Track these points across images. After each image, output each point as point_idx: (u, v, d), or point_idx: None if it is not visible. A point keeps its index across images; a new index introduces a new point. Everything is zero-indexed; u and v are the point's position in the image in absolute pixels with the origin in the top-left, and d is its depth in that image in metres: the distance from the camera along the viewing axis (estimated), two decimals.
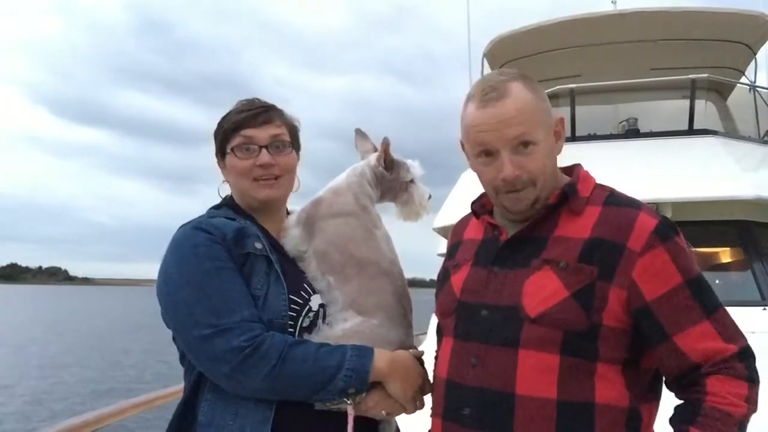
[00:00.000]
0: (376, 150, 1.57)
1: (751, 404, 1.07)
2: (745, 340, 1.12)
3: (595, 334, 1.10)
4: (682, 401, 1.12)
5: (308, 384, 1.21)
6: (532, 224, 1.20)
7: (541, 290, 1.13)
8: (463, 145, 1.29)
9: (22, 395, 13.52)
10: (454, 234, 1.43)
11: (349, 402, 1.24)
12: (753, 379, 1.09)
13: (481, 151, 1.20)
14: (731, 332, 1.11)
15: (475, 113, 1.19)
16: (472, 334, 1.19)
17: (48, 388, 14.30)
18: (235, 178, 1.41)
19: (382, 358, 1.26)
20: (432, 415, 1.26)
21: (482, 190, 1.35)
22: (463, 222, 1.43)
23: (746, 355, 1.10)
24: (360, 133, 1.62)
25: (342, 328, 1.32)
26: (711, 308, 1.11)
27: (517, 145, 1.16)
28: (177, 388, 3.06)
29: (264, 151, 1.38)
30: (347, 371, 1.21)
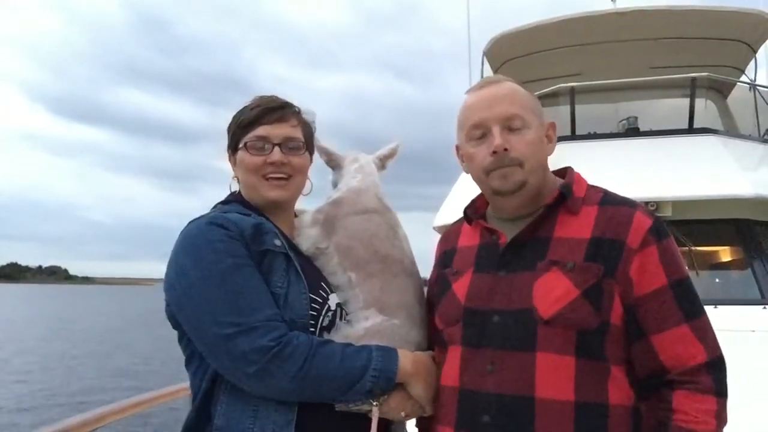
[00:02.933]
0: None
1: (720, 420, 1.07)
2: (720, 351, 1.12)
3: (604, 332, 1.11)
4: (647, 409, 1.12)
5: (335, 385, 1.18)
6: (531, 225, 1.21)
7: (552, 291, 1.13)
8: (457, 150, 1.32)
9: (23, 395, 13.53)
10: (446, 242, 1.41)
11: (374, 403, 1.22)
12: (721, 393, 1.08)
13: (474, 128, 1.24)
14: (707, 340, 1.11)
15: (471, 96, 1.28)
16: (485, 340, 1.18)
17: (49, 388, 14.30)
18: (245, 174, 1.38)
19: (406, 359, 1.25)
20: (440, 425, 1.23)
21: (479, 190, 1.35)
22: (455, 229, 1.42)
23: (717, 366, 1.10)
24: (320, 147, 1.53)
25: (363, 326, 1.30)
26: (692, 313, 1.12)
27: (508, 125, 1.21)
28: (177, 387, 3.05)
29: (277, 149, 1.35)
30: (374, 372, 1.20)
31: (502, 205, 1.27)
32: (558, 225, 1.20)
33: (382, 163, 1.58)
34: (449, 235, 1.42)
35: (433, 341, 1.36)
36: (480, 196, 1.37)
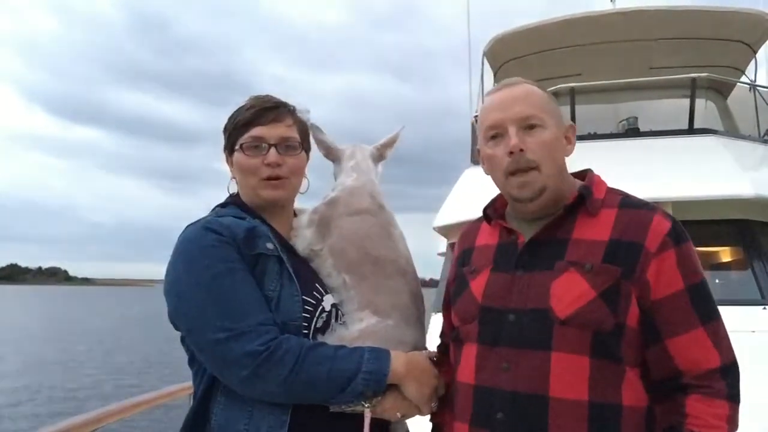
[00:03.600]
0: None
1: (732, 425, 1.08)
2: (734, 356, 1.13)
3: (620, 334, 1.12)
4: (661, 414, 1.13)
5: (326, 387, 1.19)
6: (550, 226, 1.21)
7: (569, 292, 1.14)
8: (478, 153, 1.33)
9: (23, 395, 13.53)
10: (465, 241, 1.42)
11: (366, 405, 1.22)
12: (734, 398, 1.09)
13: (490, 129, 1.25)
14: (722, 345, 1.12)
15: (488, 99, 1.30)
16: (501, 339, 1.19)
17: (49, 388, 14.31)
18: (242, 176, 1.38)
19: (398, 361, 1.25)
20: (455, 420, 1.25)
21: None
22: (473, 228, 1.42)
23: (731, 371, 1.11)
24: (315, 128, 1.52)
25: (358, 328, 1.31)
26: (707, 317, 1.12)
27: (525, 126, 1.21)
28: (177, 387, 3.05)
29: (273, 149, 1.35)
30: (365, 374, 1.20)
31: (521, 208, 1.28)
32: (577, 226, 1.20)
33: (381, 152, 1.57)
34: (468, 233, 1.43)
35: (449, 338, 1.36)
36: (499, 196, 1.37)
